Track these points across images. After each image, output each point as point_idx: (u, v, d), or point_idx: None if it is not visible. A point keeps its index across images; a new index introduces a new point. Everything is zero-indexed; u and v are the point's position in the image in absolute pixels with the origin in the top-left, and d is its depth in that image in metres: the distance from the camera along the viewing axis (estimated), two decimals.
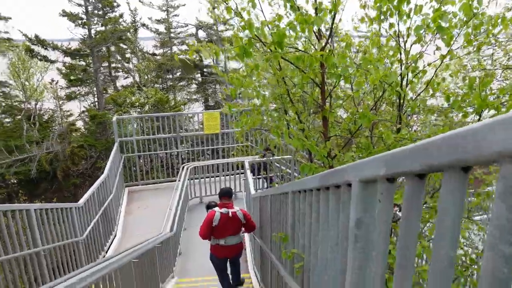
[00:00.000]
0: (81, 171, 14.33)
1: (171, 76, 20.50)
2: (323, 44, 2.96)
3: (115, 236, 8.91)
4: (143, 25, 19.45)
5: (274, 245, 3.53)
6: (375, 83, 2.72)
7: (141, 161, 12.21)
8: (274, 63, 2.76)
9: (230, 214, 5.29)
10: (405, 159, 0.86)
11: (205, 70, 23.02)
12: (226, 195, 5.53)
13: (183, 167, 10.77)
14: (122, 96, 13.68)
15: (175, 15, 20.27)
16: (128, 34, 18.17)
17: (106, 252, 8.08)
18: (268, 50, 2.82)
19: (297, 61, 2.78)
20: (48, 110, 17.57)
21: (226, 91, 3.56)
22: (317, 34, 3.05)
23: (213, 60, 22.06)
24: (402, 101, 3.03)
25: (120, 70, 18.84)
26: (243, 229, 5.60)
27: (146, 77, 17.95)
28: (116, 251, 8.33)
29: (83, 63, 15.65)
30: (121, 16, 16.22)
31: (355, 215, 1.20)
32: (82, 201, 6.95)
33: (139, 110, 13.95)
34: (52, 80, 16.96)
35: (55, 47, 14.88)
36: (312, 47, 3.12)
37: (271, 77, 3.39)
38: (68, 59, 15.87)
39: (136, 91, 14.53)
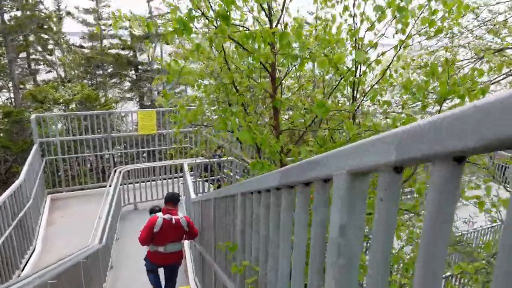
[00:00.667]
0: None
1: (101, 72, 19.17)
2: (276, 21, 2.68)
3: (33, 250, 7.91)
4: (68, 13, 17.88)
5: (219, 254, 3.18)
6: (340, 62, 2.50)
7: (66, 165, 11.09)
8: (219, 42, 2.42)
9: (173, 221, 5.16)
10: (436, 136, 0.58)
11: (139, 67, 21.96)
12: (171, 201, 5.37)
13: (115, 171, 9.95)
14: (44, 91, 12.36)
15: (106, 6, 18.98)
16: (52, 24, 16.60)
17: (23, 270, 7.11)
18: (212, 26, 2.48)
19: (246, 40, 2.46)
20: None
21: (162, 78, 3.14)
22: (267, 11, 2.76)
23: (148, 56, 21.09)
24: (356, 91, 2.87)
25: (42, 63, 17.14)
26: (184, 236, 5.42)
27: (73, 72, 16.52)
28: (35, 267, 7.37)
29: None
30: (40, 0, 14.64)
31: (339, 220, 0.91)
32: None
33: (64, 108, 12.73)
34: None
35: None
36: (261, 27, 2.81)
37: (213, 64, 3.04)
38: None
39: (60, 87, 13.25)
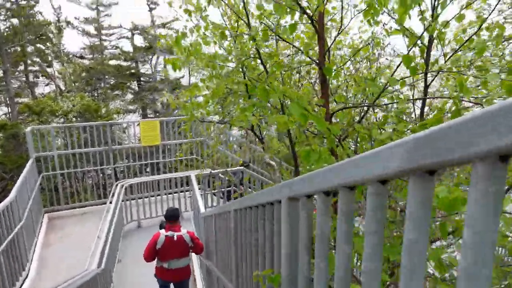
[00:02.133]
0: None
1: (102, 85, 18.72)
2: None
3: (27, 275, 7.24)
4: (68, 23, 17.48)
5: (246, 282, 2.50)
6: None
7: (65, 181, 10.49)
8: None
9: (175, 237, 5.30)
10: None
11: (142, 79, 21.55)
12: (172, 218, 5.43)
13: (116, 185, 9.33)
14: (42, 104, 11.84)
15: (107, 15, 18.63)
16: (51, 35, 16.22)
17: None
18: None
19: None
20: None
21: (167, 61, 2.52)
22: None
23: (151, 67, 20.69)
24: (428, 57, 2.23)
25: (40, 75, 16.71)
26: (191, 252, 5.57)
27: (74, 84, 16.06)
28: None
29: None
30: (36, 3, 13.99)
31: None
32: None
33: (62, 120, 12.19)
34: None
35: None
36: None
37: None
38: None
39: (59, 98, 12.74)
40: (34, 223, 8.61)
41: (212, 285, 4.98)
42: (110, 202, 8.24)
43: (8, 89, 12.76)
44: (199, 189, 8.28)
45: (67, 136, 10.86)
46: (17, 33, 12.45)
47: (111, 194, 9.10)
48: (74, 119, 12.25)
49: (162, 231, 5.41)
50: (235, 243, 2.82)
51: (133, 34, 21.10)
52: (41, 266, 7.82)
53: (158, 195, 10.07)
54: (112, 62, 18.64)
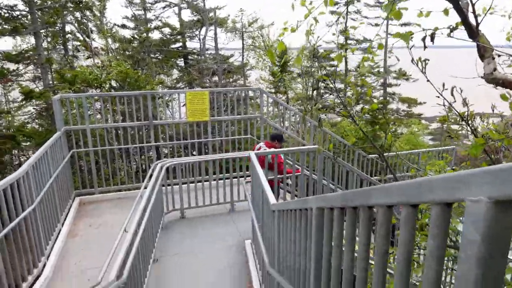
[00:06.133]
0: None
1: (146, 61, 17.37)
2: None
3: (40, 274, 5.73)
4: None
5: None
6: None
7: (99, 161, 9.05)
8: None
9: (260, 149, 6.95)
10: None
11: (189, 56, 20.01)
12: (270, 138, 7.46)
13: (156, 165, 7.65)
14: (75, 72, 10.48)
15: None
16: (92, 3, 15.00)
17: None
18: None
19: None
20: None
21: None
22: None
23: (200, 42, 19.10)
24: None
25: (81, 48, 15.58)
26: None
27: (117, 57, 14.74)
28: None
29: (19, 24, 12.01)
30: None
31: None
32: None
33: (98, 91, 10.80)
34: None
35: None
36: None
37: None
38: None
39: (94, 67, 11.39)
40: (58, 208, 7.16)
41: None
42: (144, 188, 6.54)
43: (39, 54, 11.53)
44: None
45: (102, 108, 9.37)
46: None
47: (147, 176, 7.44)
48: (112, 89, 10.78)
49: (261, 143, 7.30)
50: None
51: (180, 9, 19.57)
52: (63, 261, 6.32)
53: (206, 180, 8.32)
54: (157, 36, 17.30)
